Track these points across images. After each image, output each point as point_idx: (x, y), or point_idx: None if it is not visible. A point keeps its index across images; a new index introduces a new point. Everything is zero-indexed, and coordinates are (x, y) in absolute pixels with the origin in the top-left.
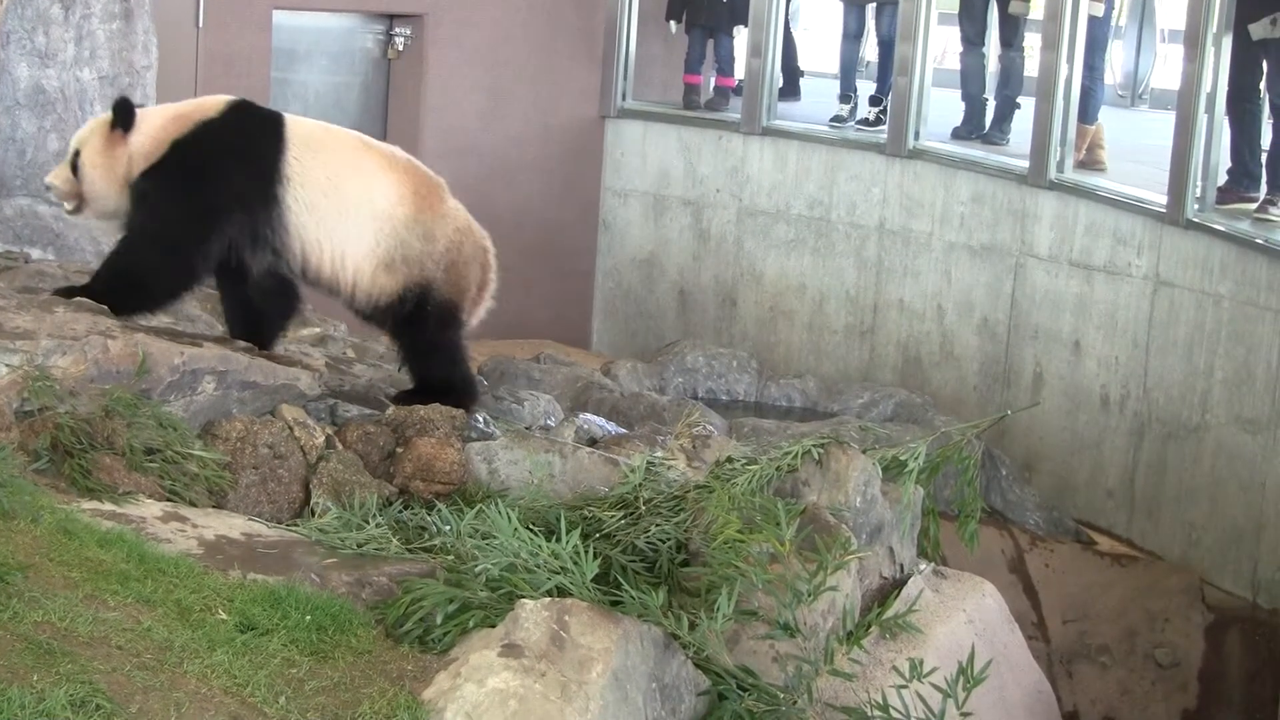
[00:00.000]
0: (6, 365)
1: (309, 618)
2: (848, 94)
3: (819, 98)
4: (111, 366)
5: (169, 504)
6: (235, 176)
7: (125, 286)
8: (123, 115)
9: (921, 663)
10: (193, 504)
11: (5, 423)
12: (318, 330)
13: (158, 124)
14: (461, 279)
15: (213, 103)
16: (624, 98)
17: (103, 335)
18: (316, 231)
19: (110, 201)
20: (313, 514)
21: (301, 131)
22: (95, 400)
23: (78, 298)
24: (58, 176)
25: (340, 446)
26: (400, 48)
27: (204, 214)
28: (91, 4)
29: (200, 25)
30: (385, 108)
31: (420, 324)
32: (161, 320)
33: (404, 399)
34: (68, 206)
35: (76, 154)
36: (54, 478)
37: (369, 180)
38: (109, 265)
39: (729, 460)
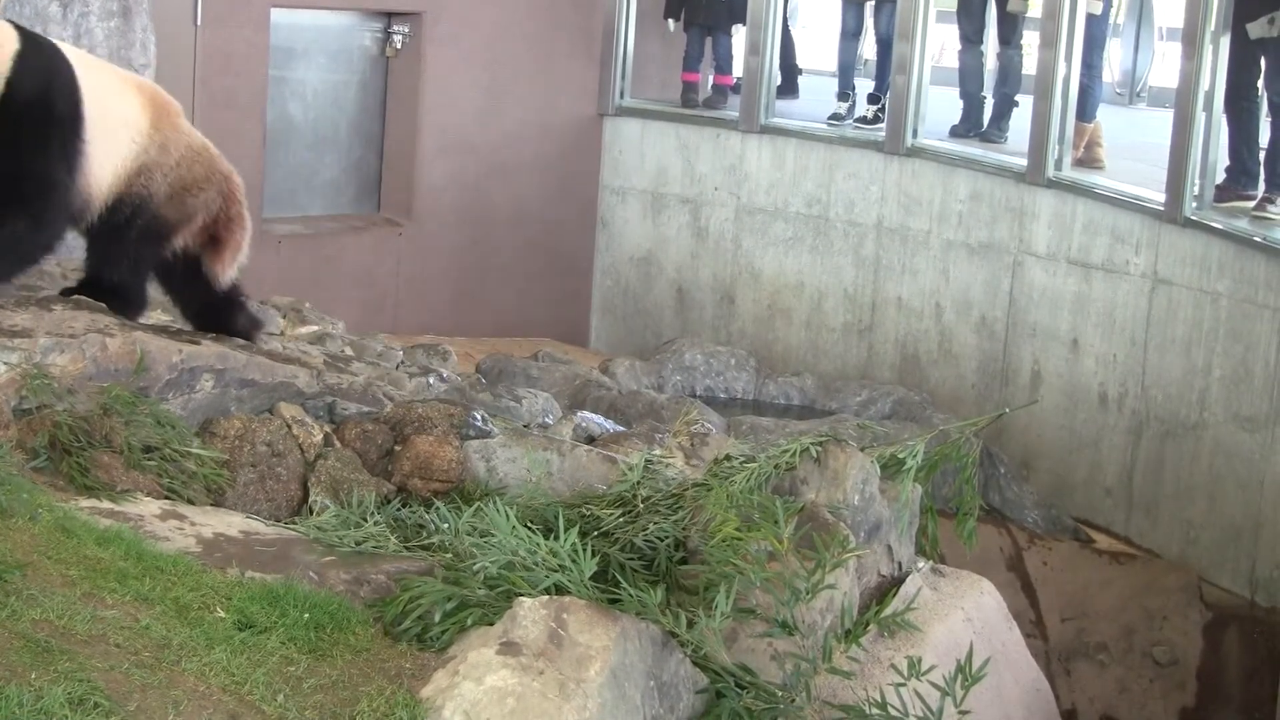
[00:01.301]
0: (4, 363)
1: (307, 616)
2: (846, 92)
3: (817, 96)
4: (109, 364)
5: (167, 502)
6: None
7: None
8: None
9: (920, 661)
10: (191, 502)
11: (3, 421)
12: (315, 328)
13: None
14: (187, 198)
15: None
16: (622, 96)
17: (101, 333)
18: None
19: None
20: (311, 512)
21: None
22: (93, 398)
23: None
24: None
25: (338, 444)
26: (398, 46)
27: None
28: (90, 2)
29: (198, 23)
30: (383, 106)
31: (126, 230)
32: (160, 318)
33: (71, 290)
34: None
35: None
36: (52, 476)
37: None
38: None
39: (727, 458)
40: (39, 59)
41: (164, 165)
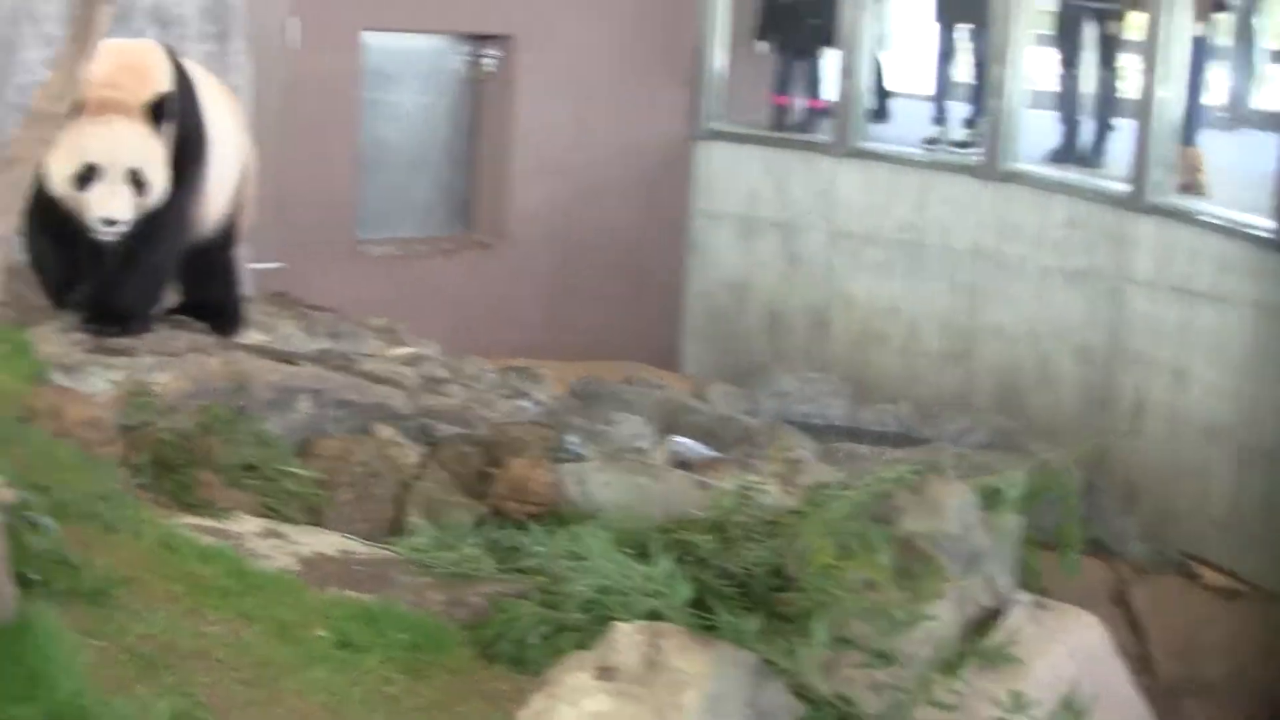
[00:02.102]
0: (109, 381)
1: (405, 636)
2: (940, 116)
3: (910, 120)
4: (210, 383)
5: (267, 520)
6: None
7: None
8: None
9: (1022, 695)
10: (290, 520)
11: (108, 437)
12: (411, 350)
13: None
14: (248, 198)
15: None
16: (712, 119)
17: (201, 352)
18: None
19: None
20: (407, 533)
21: None
22: (194, 416)
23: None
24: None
25: (434, 466)
26: (489, 68)
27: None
28: (187, 24)
29: (292, 46)
30: (474, 128)
31: (223, 247)
32: (258, 338)
33: (173, 310)
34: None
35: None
36: (155, 492)
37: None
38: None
39: (823, 485)
40: (184, 85)
41: (247, 176)
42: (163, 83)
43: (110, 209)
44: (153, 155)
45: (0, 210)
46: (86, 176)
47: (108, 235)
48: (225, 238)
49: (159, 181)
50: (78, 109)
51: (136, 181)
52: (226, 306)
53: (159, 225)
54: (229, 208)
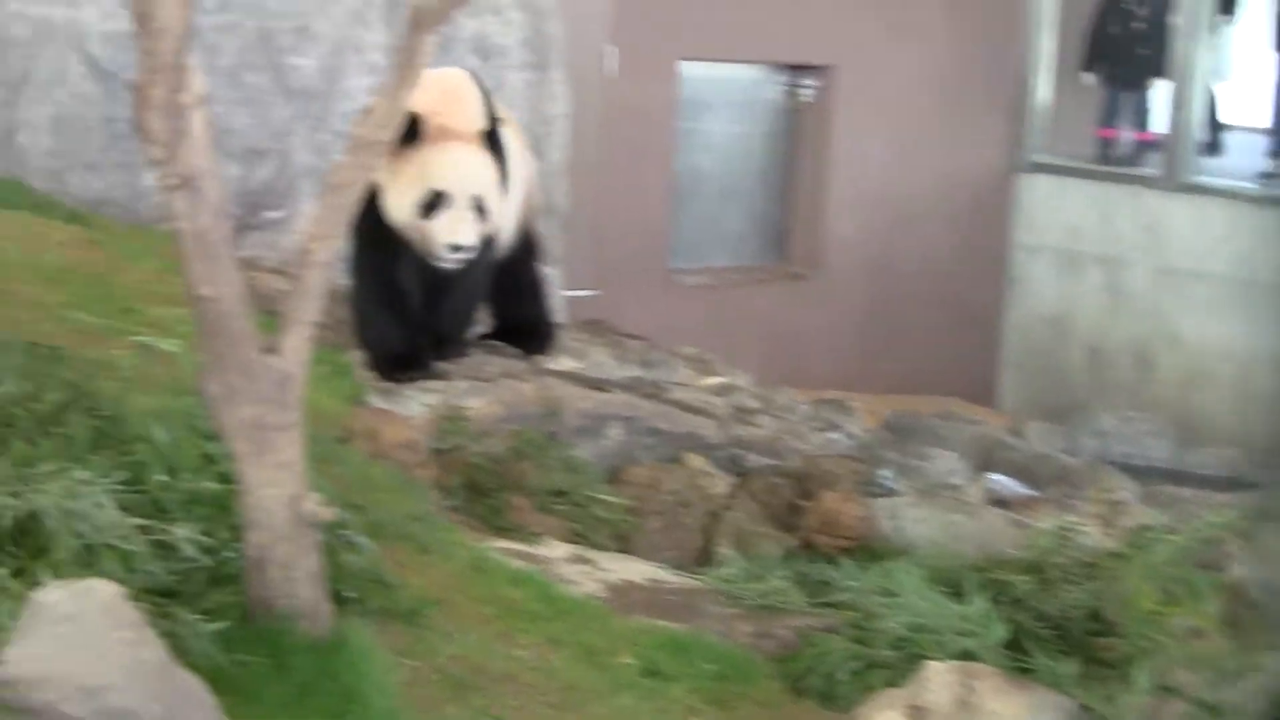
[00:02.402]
0: (424, 405)
1: (712, 666)
2: (1277, 149)
3: (1246, 154)
4: (522, 408)
5: (576, 546)
6: None
7: None
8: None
9: None
10: (598, 547)
11: (422, 460)
12: (722, 379)
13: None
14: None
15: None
16: (1035, 151)
17: (514, 378)
18: None
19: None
20: (716, 563)
21: None
22: (506, 441)
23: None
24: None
25: (743, 497)
26: (807, 99)
27: None
28: (508, 54)
29: (609, 75)
30: (790, 158)
31: (524, 261)
32: (571, 365)
33: (486, 335)
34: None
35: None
36: (467, 515)
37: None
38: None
39: (1146, 528)
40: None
41: (532, 190)
42: (484, 109)
43: (458, 235)
44: (492, 181)
45: (323, 235)
46: (432, 204)
47: (452, 262)
48: (524, 252)
49: (497, 207)
50: (417, 138)
51: (479, 208)
52: (535, 325)
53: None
54: (522, 222)
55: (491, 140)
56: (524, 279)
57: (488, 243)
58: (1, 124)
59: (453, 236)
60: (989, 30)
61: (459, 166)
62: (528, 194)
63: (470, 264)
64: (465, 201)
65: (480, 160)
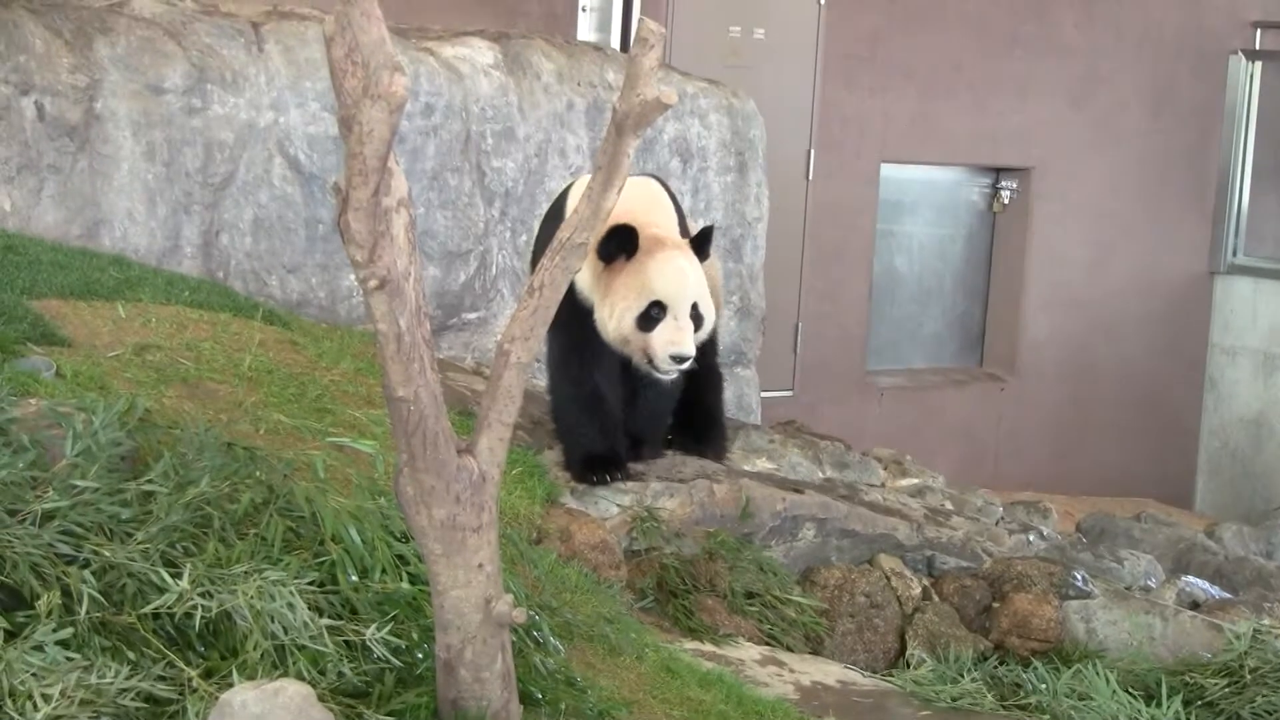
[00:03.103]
0: (618, 505)
1: None
2: None
3: None
4: (716, 509)
5: (767, 648)
6: None
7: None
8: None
9: None
10: (790, 649)
11: (615, 561)
12: (916, 481)
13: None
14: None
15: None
16: (1235, 253)
17: (709, 479)
18: None
19: None
20: (908, 665)
21: None
22: (699, 542)
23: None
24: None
25: (936, 598)
26: (1006, 201)
27: None
28: (708, 158)
29: (810, 177)
30: (989, 260)
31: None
32: (766, 466)
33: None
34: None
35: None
36: (658, 616)
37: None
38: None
39: None
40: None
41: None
42: (676, 214)
43: (681, 347)
44: (704, 288)
45: (521, 336)
46: (654, 315)
47: (673, 373)
48: (702, 349)
49: (709, 313)
50: (635, 249)
51: (696, 316)
52: (710, 423)
53: None
54: None
55: (700, 245)
56: (703, 380)
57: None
58: (204, 226)
59: (676, 348)
60: (1189, 131)
61: (680, 276)
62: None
63: None
64: (686, 311)
65: (695, 267)
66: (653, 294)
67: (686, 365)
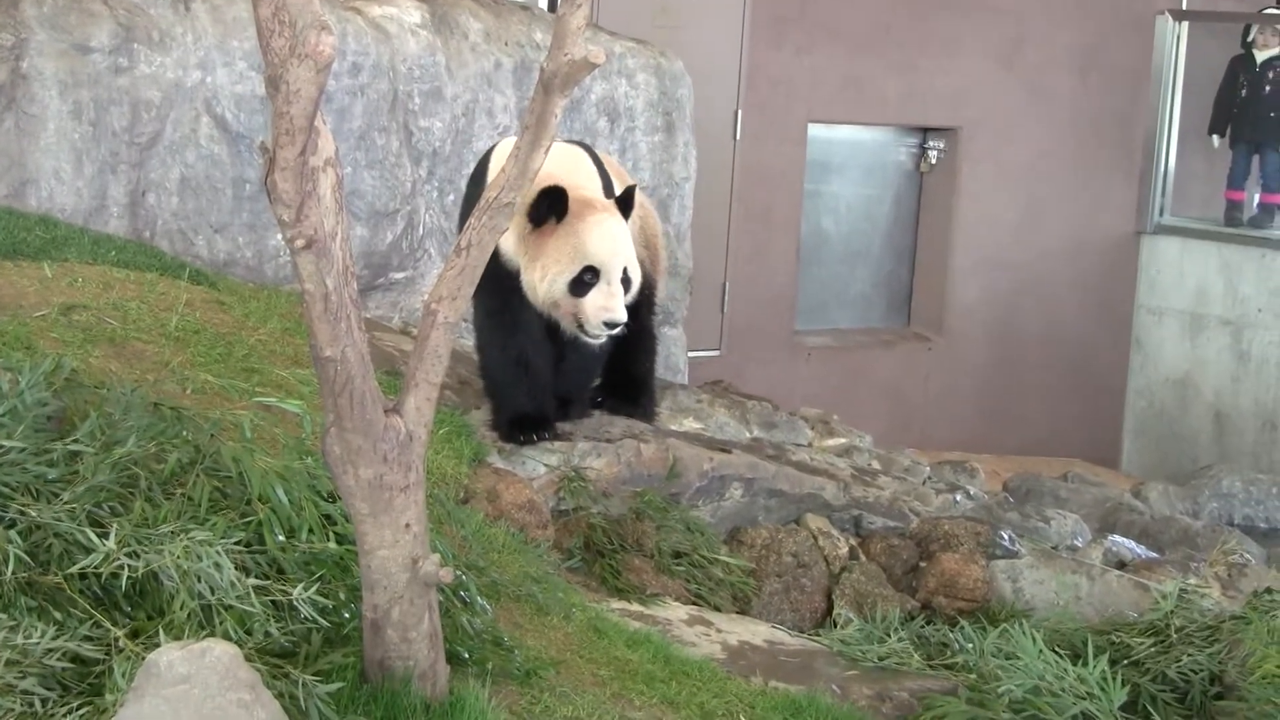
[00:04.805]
0: (545, 465)
1: None
2: None
3: None
4: (643, 469)
5: (694, 607)
6: None
7: None
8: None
9: None
10: (717, 609)
11: (542, 520)
12: (843, 441)
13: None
14: (647, 258)
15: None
16: (1162, 213)
17: (636, 439)
18: None
19: None
20: (835, 624)
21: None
22: (626, 502)
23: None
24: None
25: (863, 558)
26: (933, 161)
27: None
28: (636, 118)
29: (738, 138)
30: (916, 220)
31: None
32: (693, 426)
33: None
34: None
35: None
36: (585, 576)
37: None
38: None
39: (1268, 591)
40: (603, 172)
41: (637, 235)
42: (597, 176)
43: (614, 313)
44: (633, 251)
45: (448, 296)
46: (586, 280)
47: (603, 338)
48: (634, 309)
49: (638, 277)
50: (562, 213)
51: (626, 280)
52: (639, 385)
53: None
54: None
55: (625, 206)
56: (634, 341)
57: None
58: (131, 185)
59: (608, 314)
60: (1117, 92)
61: (613, 241)
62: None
63: None
64: (618, 276)
65: (625, 231)
66: (586, 258)
67: (618, 331)
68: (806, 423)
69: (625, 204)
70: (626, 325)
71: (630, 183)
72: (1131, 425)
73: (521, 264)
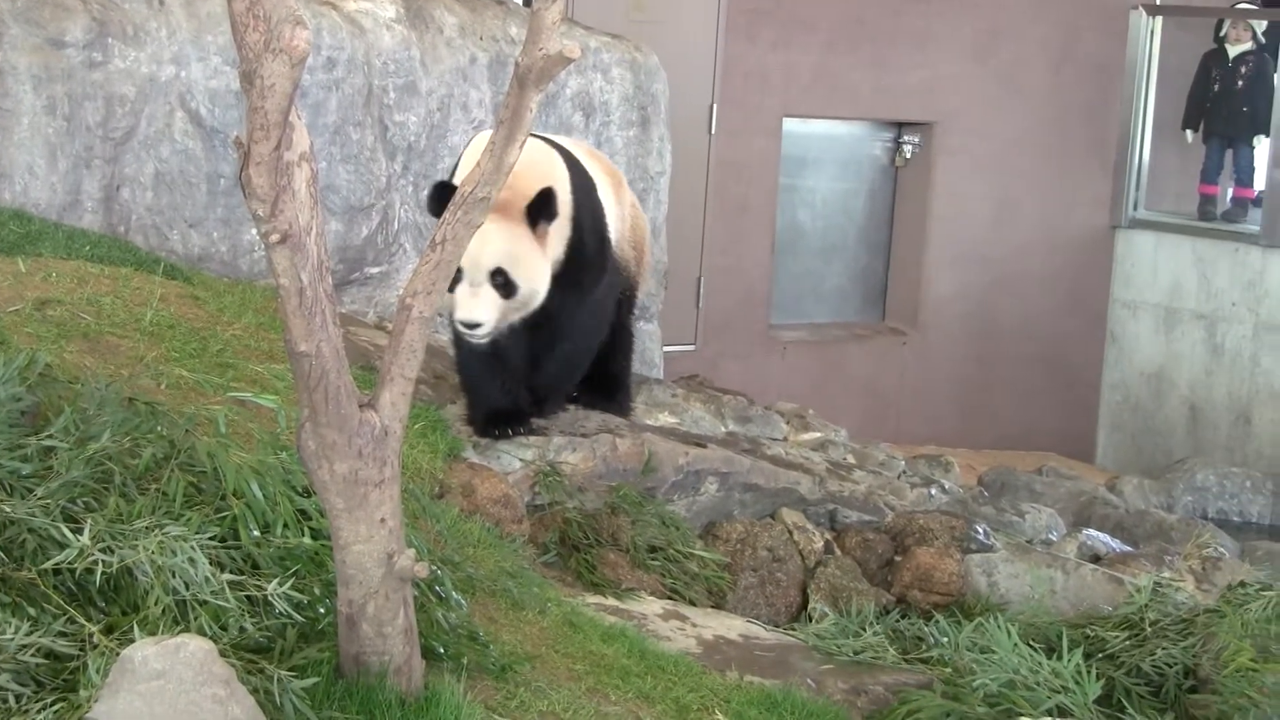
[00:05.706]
0: (521, 460)
1: None
2: None
3: None
4: (619, 464)
5: (669, 602)
6: None
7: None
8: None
9: None
10: (692, 603)
11: (517, 515)
12: (819, 435)
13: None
14: (631, 259)
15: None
16: (1136, 208)
17: (611, 433)
18: None
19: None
20: (810, 619)
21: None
22: (602, 496)
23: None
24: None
25: (839, 552)
26: (908, 155)
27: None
28: (611, 112)
29: (713, 132)
30: (891, 215)
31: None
32: (668, 420)
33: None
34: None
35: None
36: (560, 571)
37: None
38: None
39: (1242, 585)
40: (578, 177)
41: (625, 234)
42: (544, 180)
43: (463, 312)
44: (518, 255)
45: (424, 290)
46: (456, 279)
47: (472, 338)
48: (616, 307)
49: (529, 280)
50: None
51: (505, 284)
52: (614, 380)
53: (570, 314)
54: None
55: (535, 211)
56: (611, 338)
57: (566, 306)
58: (105, 180)
59: (459, 313)
60: (1091, 86)
61: (479, 243)
62: (617, 233)
63: (575, 323)
64: (481, 278)
65: (505, 234)
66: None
67: (481, 333)
68: (782, 417)
69: (535, 208)
70: (556, 322)
71: (621, 180)
72: (1106, 419)
73: None
